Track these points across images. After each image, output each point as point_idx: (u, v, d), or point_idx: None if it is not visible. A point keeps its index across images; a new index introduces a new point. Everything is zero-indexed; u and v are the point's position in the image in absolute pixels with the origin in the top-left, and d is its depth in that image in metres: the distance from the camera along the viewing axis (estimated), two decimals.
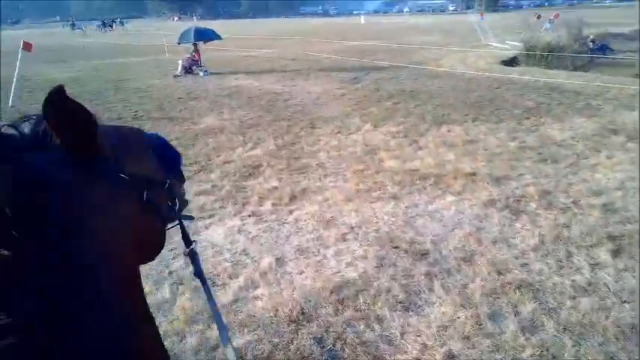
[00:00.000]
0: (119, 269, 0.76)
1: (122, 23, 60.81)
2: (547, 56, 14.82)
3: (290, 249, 4.33)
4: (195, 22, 52.28)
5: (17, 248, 0.61)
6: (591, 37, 19.91)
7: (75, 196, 0.72)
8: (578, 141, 7.04)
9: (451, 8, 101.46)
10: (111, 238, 0.76)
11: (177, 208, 1.12)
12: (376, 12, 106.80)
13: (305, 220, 4.87)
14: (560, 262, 3.83)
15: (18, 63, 11.87)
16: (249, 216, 5.09)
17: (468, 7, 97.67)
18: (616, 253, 3.90)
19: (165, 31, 27.93)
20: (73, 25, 57.01)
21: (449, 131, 7.91)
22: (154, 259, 1.03)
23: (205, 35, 16.54)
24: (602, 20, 29.29)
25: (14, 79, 11.52)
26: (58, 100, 0.69)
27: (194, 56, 16.27)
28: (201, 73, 15.70)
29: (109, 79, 15.26)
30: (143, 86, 13.71)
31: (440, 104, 9.83)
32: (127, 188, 0.84)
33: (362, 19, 60.86)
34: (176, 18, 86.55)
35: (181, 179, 1.32)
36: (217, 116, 9.62)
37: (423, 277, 3.73)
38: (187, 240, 1.19)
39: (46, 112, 0.70)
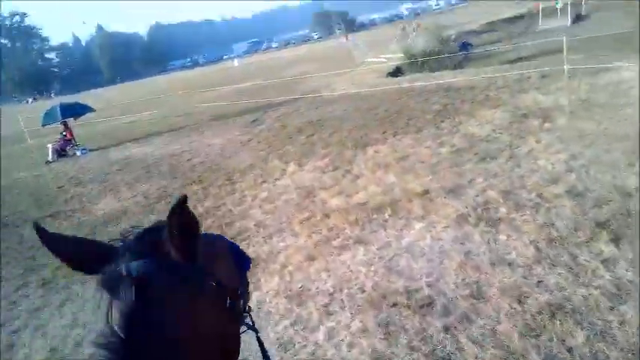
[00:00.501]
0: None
1: None
2: (427, 61, 15.63)
3: (268, 347, 3.37)
4: (56, 100, 47.85)
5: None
6: (453, 36, 21.77)
7: (169, 300, 0.76)
8: (501, 133, 7.09)
9: (315, 37, 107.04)
10: (201, 346, 0.79)
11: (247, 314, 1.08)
12: (246, 53, 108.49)
13: (270, 302, 3.95)
14: (571, 269, 3.42)
15: None
16: None
17: (330, 33, 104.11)
18: (616, 241, 3.62)
19: (23, 114, 24.77)
20: None
21: (376, 152, 7.54)
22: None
23: (74, 110, 14.72)
24: (450, 22, 32.56)
25: None
26: (182, 211, 0.77)
27: (65, 136, 14.30)
28: (78, 153, 13.81)
29: None
30: (8, 182, 11.51)
31: (353, 127, 9.53)
32: (215, 296, 0.86)
33: (235, 62, 61.27)
34: (31, 100, 78.69)
35: (247, 284, 1.16)
36: (114, 197, 8.20)
37: (442, 334, 3.06)
38: (263, 350, 1.11)
39: (170, 220, 0.77)
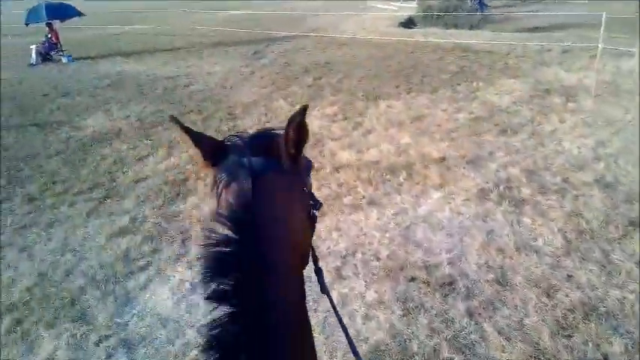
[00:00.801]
0: (297, 258, 0.92)
1: None
2: (442, 17, 14.82)
3: None
4: None
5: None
6: None
7: (276, 195, 0.88)
8: (521, 106, 6.76)
9: None
10: (293, 240, 0.89)
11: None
12: None
13: None
14: (604, 266, 3.27)
15: None
16: (199, 257, 3.77)
17: None
18: None
19: (5, 8, 22.90)
20: None
21: (389, 107, 7.15)
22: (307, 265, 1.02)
23: (61, 12, 13.51)
24: None
25: None
26: (301, 121, 0.86)
27: (51, 39, 13.21)
28: (64, 59, 12.84)
29: None
30: None
31: (364, 76, 9.02)
32: (304, 200, 0.97)
33: None
34: None
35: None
36: (105, 115, 7.65)
37: (466, 319, 2.90)
38: (315, 258, 1.12)
39: (289, 127, 0.86)
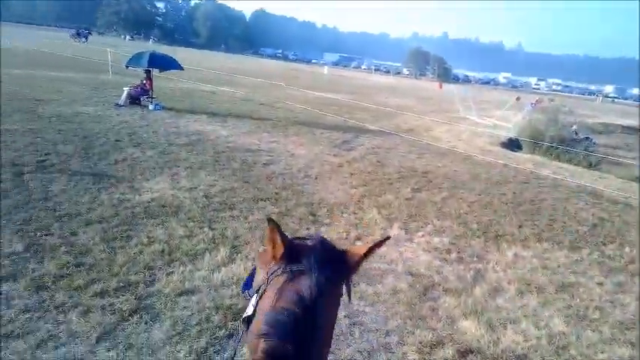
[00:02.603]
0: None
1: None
2: (555, 147, 13.31)
3: None
4: (151, 46, 48.68)
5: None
6: (574, 127, 19.26)
7: (326, 306, 0.96)
8: None
9: (406, 72, 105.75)
10: (331, 336, 1.04)
11: None
12: (335, 64, 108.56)
13: None
14: None
15: None
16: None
17: (421, 74, 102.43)
18: None
19: (114, 49, 24.46)
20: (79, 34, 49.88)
21: (517, 256, 5.46)
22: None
23: (164, 62, 13.55)
24: (564, 109, 29.78)
25: None
26: (379, 248, 1.09)
27: (145, 84, 13.10)
28: (151, 106, 12.54)
29: (24, 96, 11.63)
30: (69, 113, 10.28)
31: (475, 201, 7.47)
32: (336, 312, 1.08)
33: (325, 70, 60.62)
34: (128, 37, 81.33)
35: None
36: (170, 181, 6.55)
37: None
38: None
39: (370, 252, 1.08)
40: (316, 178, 7.74)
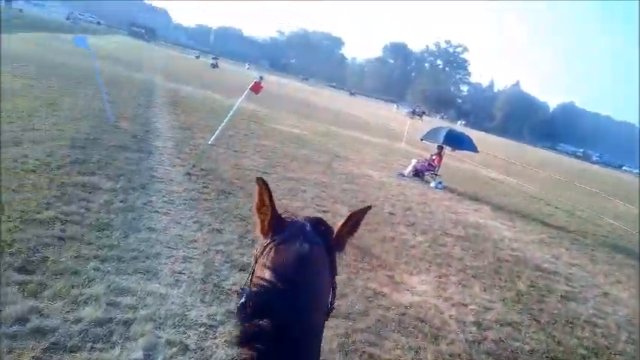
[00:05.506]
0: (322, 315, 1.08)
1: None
2: None
3: None
4: (445, 123, 50.62)
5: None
6: None
7: (319, 268, 1.06)
8: None
9: None
10: (320, 308, 1.06)
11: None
12: None
13: None
14: None
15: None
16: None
17: None
18: None
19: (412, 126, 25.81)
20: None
21: None
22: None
23: (459, 141, 12.80)
24: None
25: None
26: (362, 217, 1.17)
27: (433, 160, 12.59)
28: (432, 183, 11.84)
29: (327, 150, 12.79)
30: (356, 173, 10.53)
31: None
32: (332, 282, 1.15)
33: None
34: (439, 117, 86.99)
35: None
36: (437, 286, 5.23)
37: None
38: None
39: (350, 219, 1.15)
40: None
